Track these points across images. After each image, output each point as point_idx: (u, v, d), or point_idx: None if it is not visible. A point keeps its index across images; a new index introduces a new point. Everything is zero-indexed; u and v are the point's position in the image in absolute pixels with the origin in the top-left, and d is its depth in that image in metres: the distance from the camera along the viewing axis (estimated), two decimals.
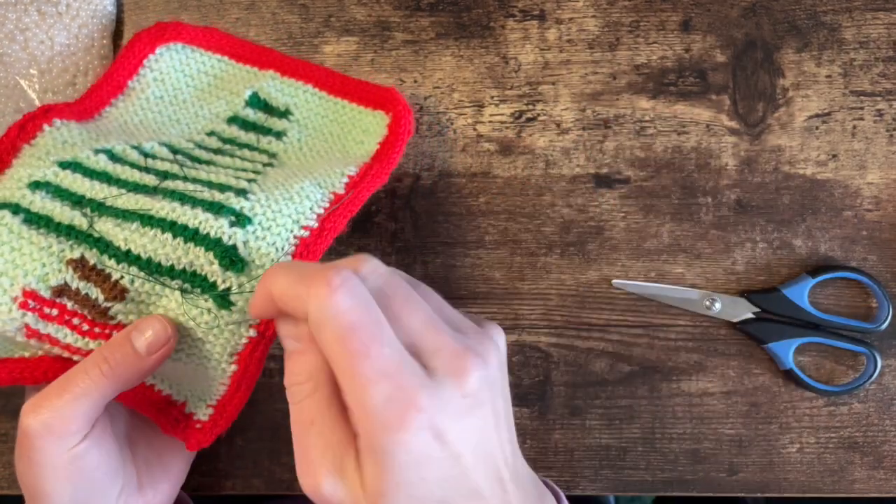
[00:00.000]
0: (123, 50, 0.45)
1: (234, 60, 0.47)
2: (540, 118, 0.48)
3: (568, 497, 0.47)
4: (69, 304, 0.35)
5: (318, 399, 0.29)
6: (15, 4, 0.46)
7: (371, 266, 0.29)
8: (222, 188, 0.37)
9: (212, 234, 0.35)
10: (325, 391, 0.29)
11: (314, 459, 0.28)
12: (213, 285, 0.35)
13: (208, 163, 0.41)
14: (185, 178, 0.38)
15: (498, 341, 0.31)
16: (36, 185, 0.36)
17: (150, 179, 0.37)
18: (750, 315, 0.46)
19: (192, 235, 0.35)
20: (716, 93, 0.48)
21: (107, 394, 0.33)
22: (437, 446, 0.28)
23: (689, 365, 0.47)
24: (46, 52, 0.46)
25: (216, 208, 0.35)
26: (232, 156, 0.42)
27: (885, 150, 0.47)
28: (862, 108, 0.48)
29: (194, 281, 0.35)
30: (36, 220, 0.35)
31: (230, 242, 0.35)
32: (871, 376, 0.45)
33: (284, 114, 0.45)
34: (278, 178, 0.40)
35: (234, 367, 0.36)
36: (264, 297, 0.29)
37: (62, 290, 0.35)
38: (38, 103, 0.46)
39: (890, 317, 0.46)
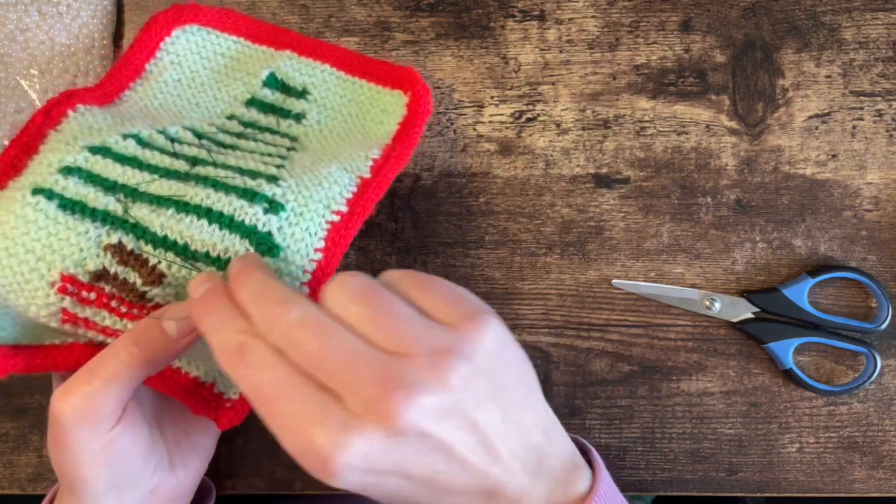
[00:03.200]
0: (140, 33, 0.45)
1: (250, 41, 0.46)
2: (540, 118, 0.48)
3: None
4: (107, 288, 0.35)
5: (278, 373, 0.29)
6: (15, 5, 0.46)
7: (286, 310, 0.29)
8: (253, 174, 0.38)
9: (247, 221, 0.35)
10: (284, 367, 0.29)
11: (302, 422, 0.27)
12: None
13: (233, 147, 0.41)
14: (216, 164, 0.38)
15: (480, 341, 0.29)
16: (68, 171, 0.36)
17: (180, 165, 0.37)
18: (749, 315, 0.46)
19: (227, 222, 0.35)
20: (715, 93, 0.48)
21: (136, 377, 0.33)
22: (373, 478, 0.28)
23: (689, 365, 0.47)
24: (47, 53, 0.46)
25: (249, 195, 0.36)
26: (255, 140, 0.42)
27: (885, 150, 0.47)
28: (861, 109, 0.48)
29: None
30: (70, 206, 0.35)
31: (265, 229, 0.35)
32: (871, 376, 0.45)
33: (302, 94, 0.45)
34: (305, 162, 0.40)
35: None
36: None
37: (101, 275, 0.35)
38: (38, 104, 0.46)
39: (889, 317, 0.46)
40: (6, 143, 0.46)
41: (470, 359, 0.29)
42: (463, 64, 0.48)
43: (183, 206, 0.35)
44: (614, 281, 0.47)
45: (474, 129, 0.48)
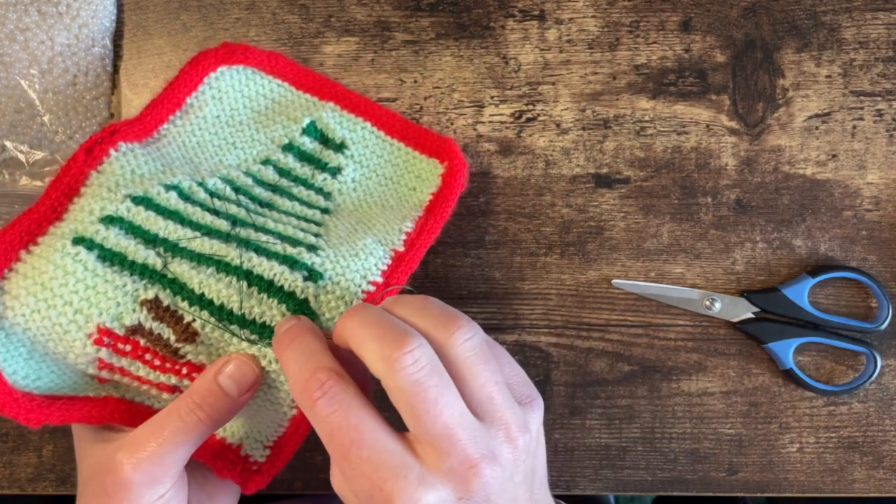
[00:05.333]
0: (186, 66, 0.44)
1: (294, 87, 0.46)
2: (540, 118, 0.48)
3: (568, 497, 0.47)
4: (142, 342, 0.36)
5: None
6: (15, 4, 0.46)
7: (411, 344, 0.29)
8: (293, 242, 0.38)
9: (286, 286, 0.36)
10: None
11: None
12: None
13: (270, 206, 0.42)
14: (255, 228, 0.38)
15: (531, 424, 0.31)
16: (109, 220, 0.36)
17: (221, 224, 0.38)
18: (750, 315, 0.46)
19: (266, 287, 0.36)
20: (716, 93, 0.48)
21: (202, 438, 0.34)
22: None
23: (689, 365, 0.47)
24: (47, 53, 0.46)
25: (290, 262, 0.37)
26: (290, 196, 0.43)
27: (885, 150, 0.47)
28: (862, 108, 0.48)
29: (263, 332, 0.36)
30: (110, 258, 0.35)
31: (303, 296, 0.36)
32: (871, 376, 0.45)
33: (340, 147, 0.45)
34: (340, 232, 0.41)
35: (294, 412, 0.37)
36: (340, 337, 0.31)
37: (136, 330, 0.36)
38: (38, 103, 0.46)
39: (890, 317, 0.46)
40: (6, 143, 0.46)
41: (534, 436, 0.31)
42: (463, 64, 0.48)
43: (224, 267, 0.36)
44: (614, 281, 0.47)
45: (474, 129, 0.48)
